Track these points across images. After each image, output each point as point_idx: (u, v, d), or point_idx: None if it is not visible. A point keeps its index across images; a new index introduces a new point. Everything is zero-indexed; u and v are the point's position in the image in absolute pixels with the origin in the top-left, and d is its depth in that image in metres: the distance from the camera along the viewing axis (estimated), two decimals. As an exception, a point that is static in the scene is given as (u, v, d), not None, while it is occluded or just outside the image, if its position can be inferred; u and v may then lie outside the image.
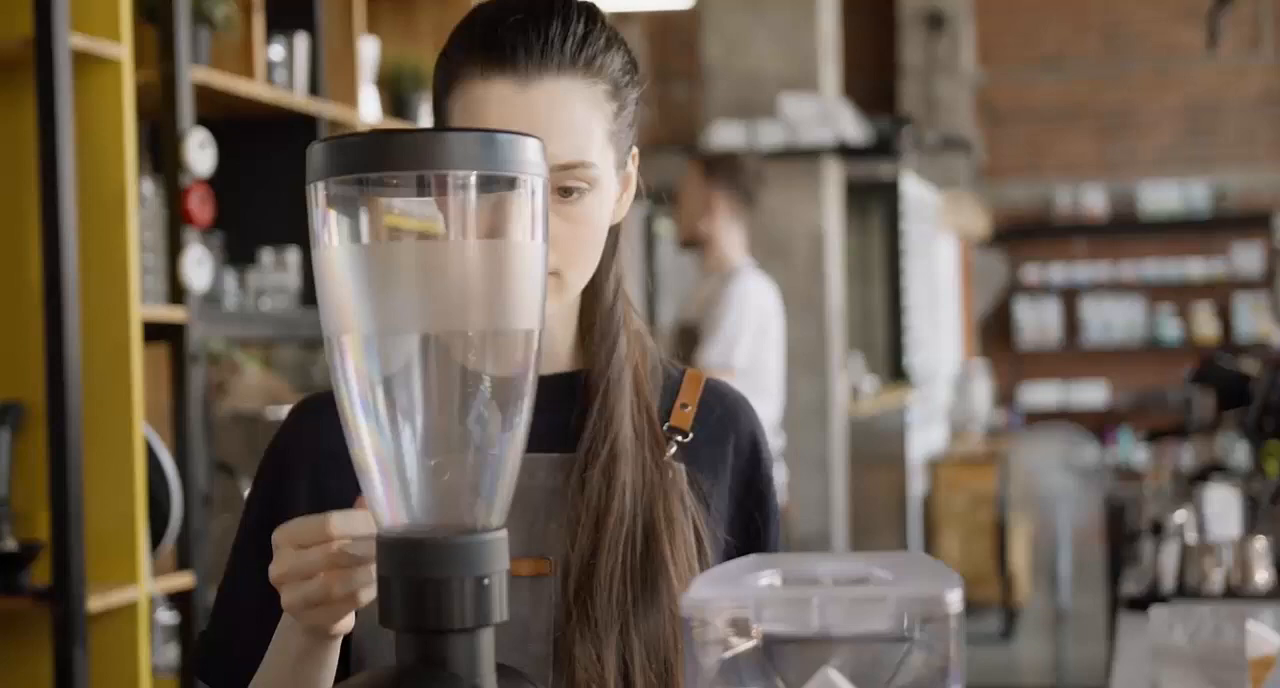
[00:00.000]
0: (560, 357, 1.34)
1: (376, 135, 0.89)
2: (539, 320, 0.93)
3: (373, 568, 0.97)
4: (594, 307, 1.33)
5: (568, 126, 1.21)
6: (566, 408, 1.31)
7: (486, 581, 0.90)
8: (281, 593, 1.06)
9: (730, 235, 4.23)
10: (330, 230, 0.90)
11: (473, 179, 0.88)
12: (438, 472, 0.92)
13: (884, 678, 0.80)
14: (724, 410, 1.37)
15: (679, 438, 1.33)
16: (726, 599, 0.79)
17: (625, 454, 1.27)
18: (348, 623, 1.10)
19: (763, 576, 0.82)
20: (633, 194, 1.33)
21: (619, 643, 1.23)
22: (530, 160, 0.90)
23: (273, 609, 1.11)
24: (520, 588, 1.26)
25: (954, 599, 0.76)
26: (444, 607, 0.90)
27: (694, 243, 4.29)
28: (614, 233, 1.33)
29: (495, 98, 1.20)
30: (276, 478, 1.33)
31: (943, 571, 0.80)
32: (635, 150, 1.32)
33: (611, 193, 1.27)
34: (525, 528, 1.27)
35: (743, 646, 0.82)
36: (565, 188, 1.22)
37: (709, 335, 4.05)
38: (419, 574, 0.90)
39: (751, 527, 1.36)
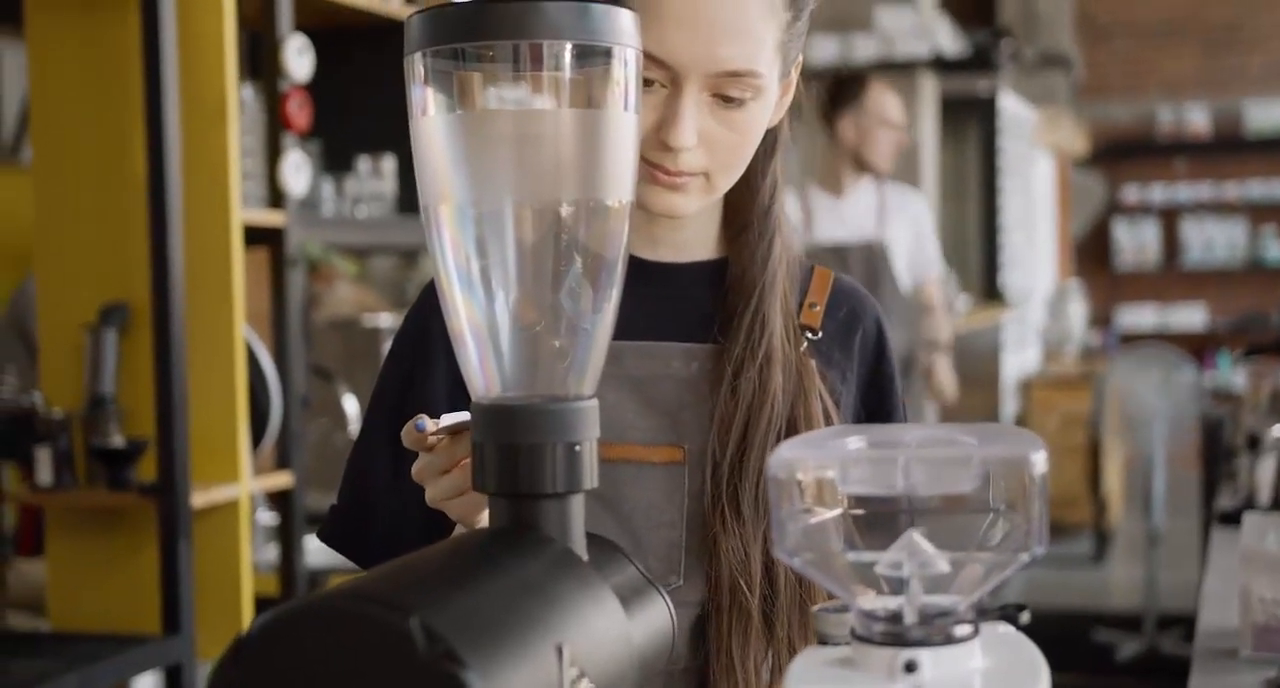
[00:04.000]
0: (703, 246, 1.35)
1: (472, 6, 0.90)
2: (630, 193, 0.94)
3: None
4: (749, 204, 1.34)
5: (740, 34, 1.20)
6: (704, 296, 1.33)
7: (578, 447, 0.91)
8: (426, 489, 1.12)
9: None
10: (427, 101, 0.92)
11: (568, 49, 0.89)
12: (530, 342, 0.93)
13: (968, 543, 0.81)
14: (850, 307, 1.39)
15: (808, 335, 1.34)
16: (812, 459, 0.80)
17: (777, 356, 1.29)
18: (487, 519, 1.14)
19: (850, 441, 0.83)
20: (790, 98, 1.33)
21: (765, 540, 1.26)
22: (625, 30, 0.90)
23: (402, 481, 1.15)
24: (653, 475, 1.29)
25: (1038, 460, 0.76)
26: (536, 472, 0.91)
27: None
28: (772, 134, 1.33)
29: None
30: (413, 353, 1.34)
31: (1027, 436, 0.80)
32: (800, 57, 1.31)
33: (772, 101, 1.27)
34: (658, 416, 1.29)
35: (828, 511, 0.83)
36: (728, 95, 1.22)
37: None
38: (512, 440, 0.91)
39: (876, 419, 1.38)
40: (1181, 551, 6.09)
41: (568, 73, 0.90)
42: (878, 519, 0.83)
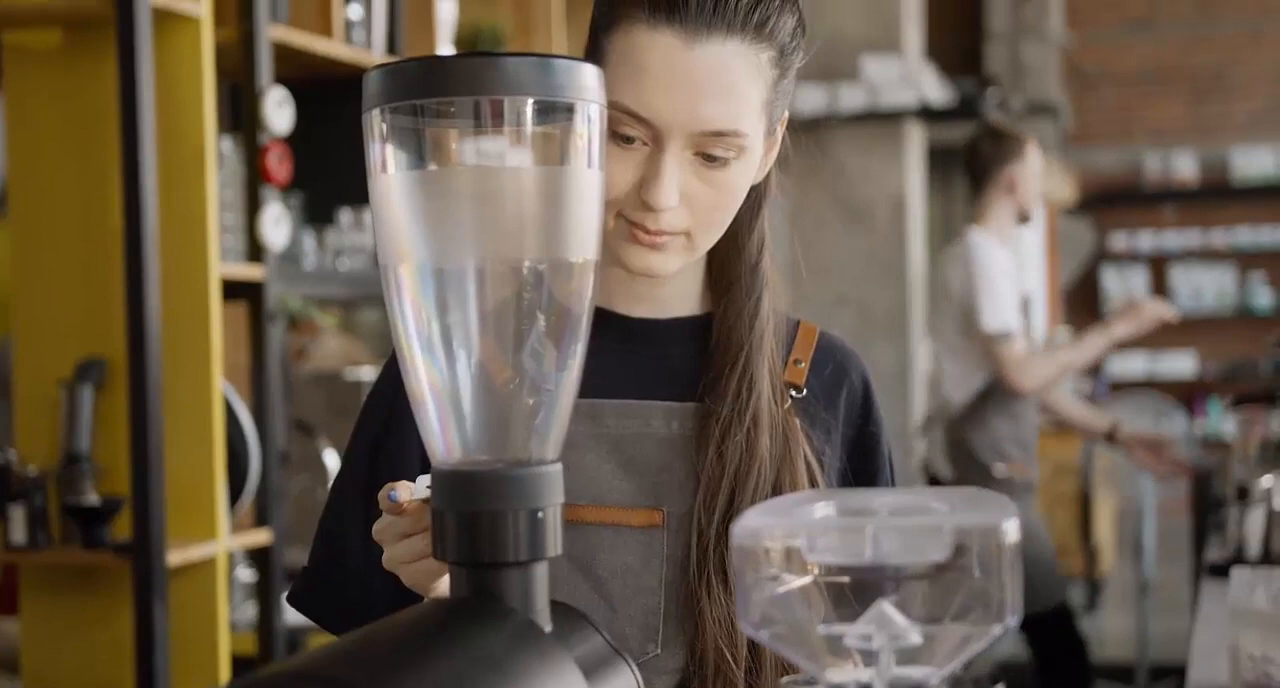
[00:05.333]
0: (685, 302, 1.33)
1: (432, 61, 0.88)
2: (595, 252, 0.91)
3: None
4: (735, 261, 1.31)
5: (725, 93, 1.18)
6: (686, 353, 1.30)
7: (540, 514, 0.89)
8: (384, 550, 1.09)
9: None
10: (386, 158, 0.90)
11: (529, 105, 0.87)
12: (491, 405, 0.91)
13: (940, 613, 0.78)
14: (836, 364, 1.35)
15: (792, 393, 1.31)
16: (779, 528, 0.77)
17: (765, 418, 1.26)
18: (444, 586, 1.10)
19: (817, 507, 0.81)
20: (775, 155, 1.30)
21: None
22: (588, 86, 0.88)
23: (372, 543, 1.13)
24: (631, 538, 1.25)
25: (1010, 529, 0.74)
26: (498, 540, 0.89)
27: None
28: (757, 192, 1.30)
29: (659, 49, 1.17)
30: (385, 412, 1.31)
31: (1000, 502, 0.78)
32: (786, 114, 1.28)
33: (756, 159, 1.24)
34: (638, 477, 1.26)
35: (796, 580, 0.80)
36: (711, 154, 1.19)
37: None
38: (473, 507, 0.89)
39: (862, 480, 1.34)
40: (1173, 600, 6.05)
41: (530, 129, 0.88)
42: (847, 589, 0.80)
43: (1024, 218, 4.20)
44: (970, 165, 4.16)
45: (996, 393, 3.92)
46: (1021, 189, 4.09)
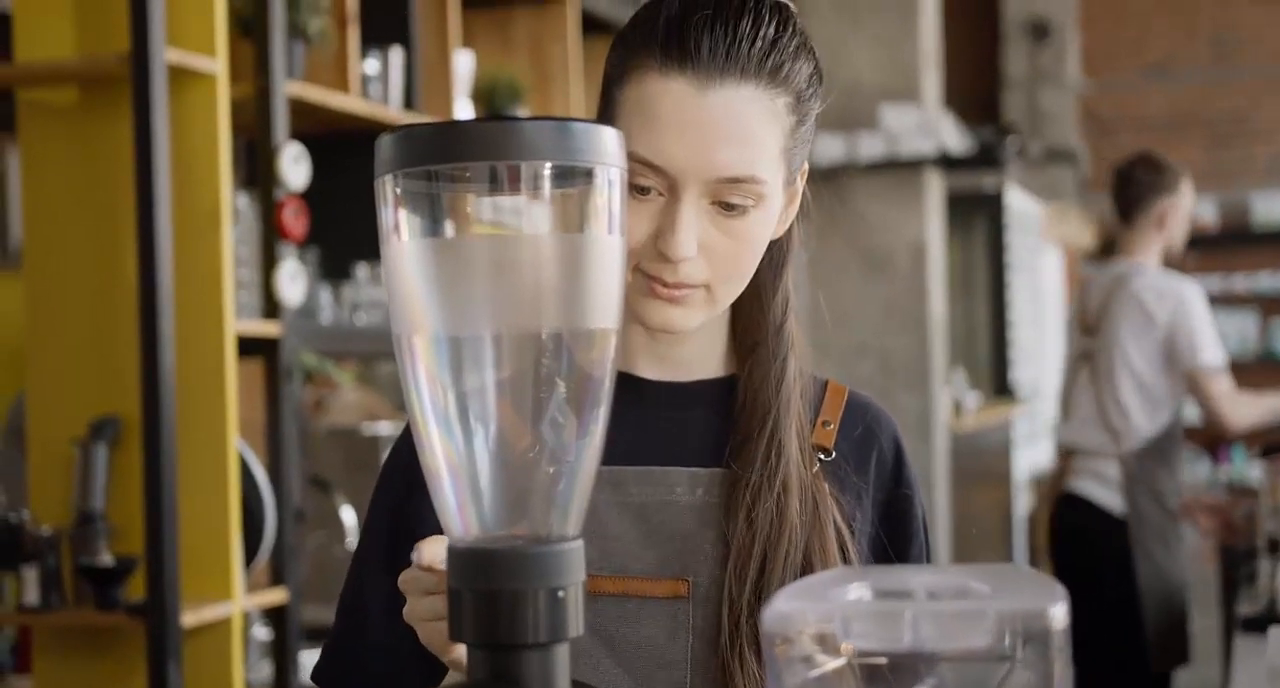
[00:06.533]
0: (708, 363, 1.29)
1: (446, 125, 0.85)
2: (616, 320, 0.88)
3: None
4: (759, 322, 1.27)
5: (742, 139, 1.15)
6: (710, 417, 1.27)
7: (561, 593, 0.86)
8: (406, 601, 1.07)
9: None
10: (399, 225, 0.87)
11: (547, 170, 0.84)
12: (510, 479, 0.88)
13: (984, 699, 0.75)
14: (865, 425, 1.30)
15: (820, 456, 1.27)
16: (812, 613, 0.74)
17: (794, 484, 1.22)
18: (461, 654, 1.07)
19: (851, 588, 0.77)
20: (797, 208, 1.26)
21: None
22: (608, 150, 0.85)
23: (395, 618, 1.09)
24: (656, 610, 1.22)
25: (1058, 614, 0.70)
26: (517, 620, 0.85)
27: None
28: (779, 247, 1.26)
29: (672, 96, 1.15)
30: (404, 488, 1.28)
31: (1046, 583, 0.74)
32: (806, 165, 1.25)
33: (776, 209, 1.21)
34: (662, 546, 1.22)
35: (831, 664, 0.76)
36: (728, 203, 1.16)
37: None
38: (491, 586, 0.86)
39: (895, 545, 1.30)
40: (1202, 650, 5.96)
41: (548, 195, 0.85)
42: (885, 672, 0.76)
43: (1170, 255, 4.03)
44: (1120, 192, 3.95)
45: (1176, 432, 3.83)
46: (1170, 225, 3.92)
